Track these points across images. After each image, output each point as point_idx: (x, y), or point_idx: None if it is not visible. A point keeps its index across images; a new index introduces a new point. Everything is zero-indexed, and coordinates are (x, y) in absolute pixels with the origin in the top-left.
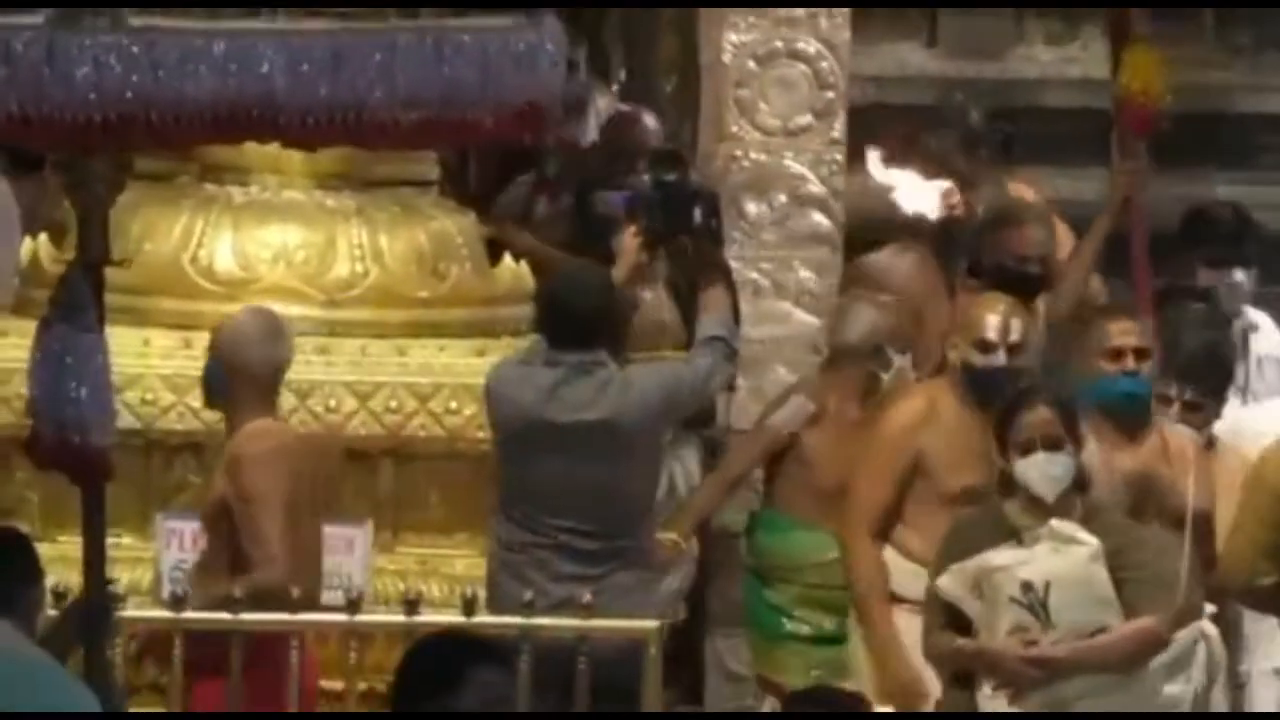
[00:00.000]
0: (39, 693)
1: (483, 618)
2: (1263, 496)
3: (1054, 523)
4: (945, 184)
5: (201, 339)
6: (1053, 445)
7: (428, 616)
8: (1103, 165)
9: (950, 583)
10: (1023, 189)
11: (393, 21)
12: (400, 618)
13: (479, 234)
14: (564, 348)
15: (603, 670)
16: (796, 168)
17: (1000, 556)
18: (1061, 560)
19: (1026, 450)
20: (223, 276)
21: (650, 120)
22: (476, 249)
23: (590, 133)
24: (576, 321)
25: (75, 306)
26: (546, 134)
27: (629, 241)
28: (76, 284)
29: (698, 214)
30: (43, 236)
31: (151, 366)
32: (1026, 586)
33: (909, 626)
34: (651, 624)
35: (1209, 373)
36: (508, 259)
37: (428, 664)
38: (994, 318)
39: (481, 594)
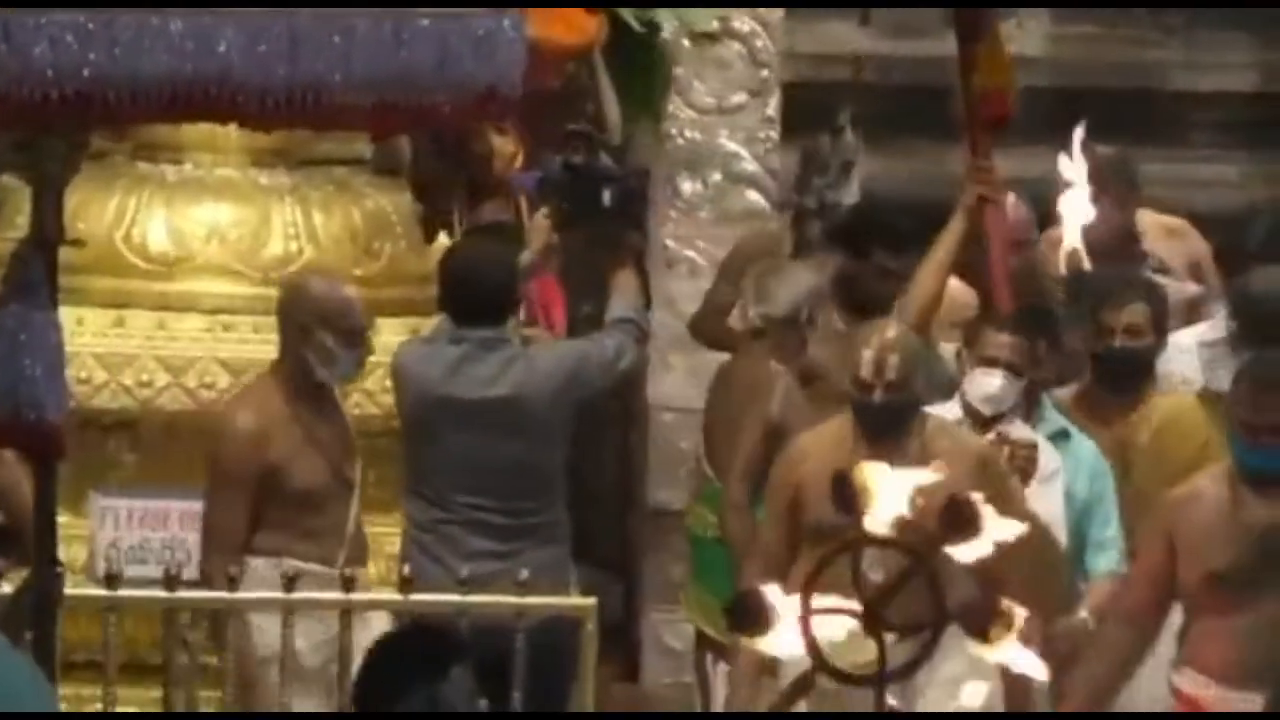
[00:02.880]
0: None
1: (419, 595)
2: None
3: None
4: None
5: (134, 317)
6: None
7: (365, 595)
8: (1042, 143)
9: None
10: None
11: (350, 6)
12: (337, 595)
13: (413, 212)
14: (468, 324)
15: (534, 648)
16: (731, 146)
17: None
18: None
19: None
20: (156, 255)
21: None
22: (411, 227)
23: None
24: (480, 298)
25: (29, 285)
26: (505, 118)
27: (539, 222)
28: (30, 262)
29: (607, 196)
30: None
31: (85, 345)
32: None
33: None
34: (589, 601)
35: None
36: (442, 237)
37: (379, 676)
38: (868, 353)
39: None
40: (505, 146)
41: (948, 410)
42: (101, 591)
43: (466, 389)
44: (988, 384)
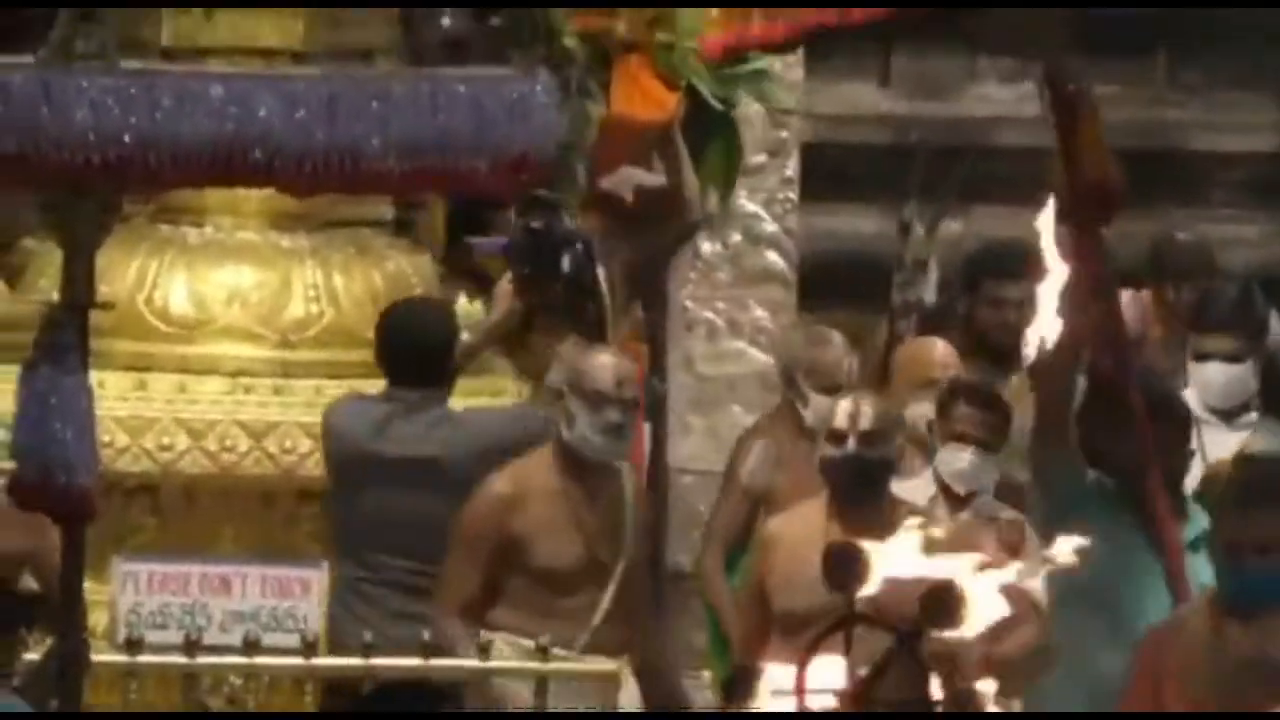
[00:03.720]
0: None
1: (325, 660)
2: None
3: None
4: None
5: (156, 380)
6: None
7: (387, 660)
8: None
9: None
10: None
11: (389, 69)
12: (357, 660)
13: (434, 274)
14: (400, 383)
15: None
16: (750, 206)
17: None
18: None
19: None
20: (178, 318)
21: None
22: (432, 289)
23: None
24: (412, 357)
25: (60, 348)
26: (538, 182)
27: (503, 287)
28: (61, 326)
29: (566, 262)
30: None
31: (107, 408)
32: None
33: None
34: (612, 666)
35: None
36: (462, 298)
37: None
38: (844, 403)
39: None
40: None
41: (919, 488)
42: (122, 657)
43: (391, 447)
44: (957, 460)
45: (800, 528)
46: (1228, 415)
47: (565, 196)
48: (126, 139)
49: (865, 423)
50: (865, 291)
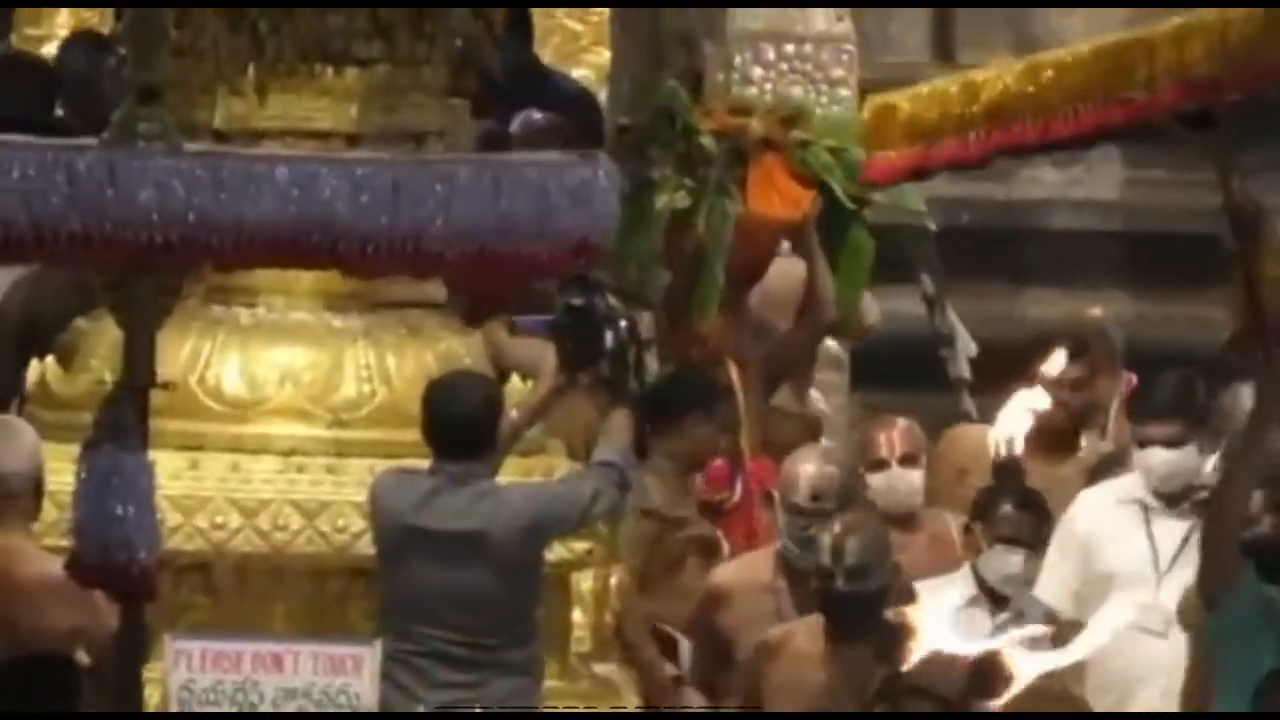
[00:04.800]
0: None
1: None
2: None
3: None
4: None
5: (208, 460)
6: None
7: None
8: (1112, 287)
9: None
10: None
11: (452, 154)
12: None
13: (484, 354)
14: (445, 457)
15: None
16: None
17: None
18: None
19: None
20: (230, 398)
21: None
22: (483, 368)
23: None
24: (455, 431)
25: (121, 427)
26: (592, 267)
27: (546, 365)
28: (123, 405)
29: (608, 338)
30: (49, 357)
31: (161, 488)
32: None
33: None
34: None
35: None
36: (515, 378)
37: None
38: (826, 537)
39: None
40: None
41: (956, 589)
42: None
43: (435, 520)
44: (1008, 564)
45: (749, 575)
46: (1171, 499)
47: (703, 295)
48: (190, 219)
49: (850, 558)
50: (916, 371)
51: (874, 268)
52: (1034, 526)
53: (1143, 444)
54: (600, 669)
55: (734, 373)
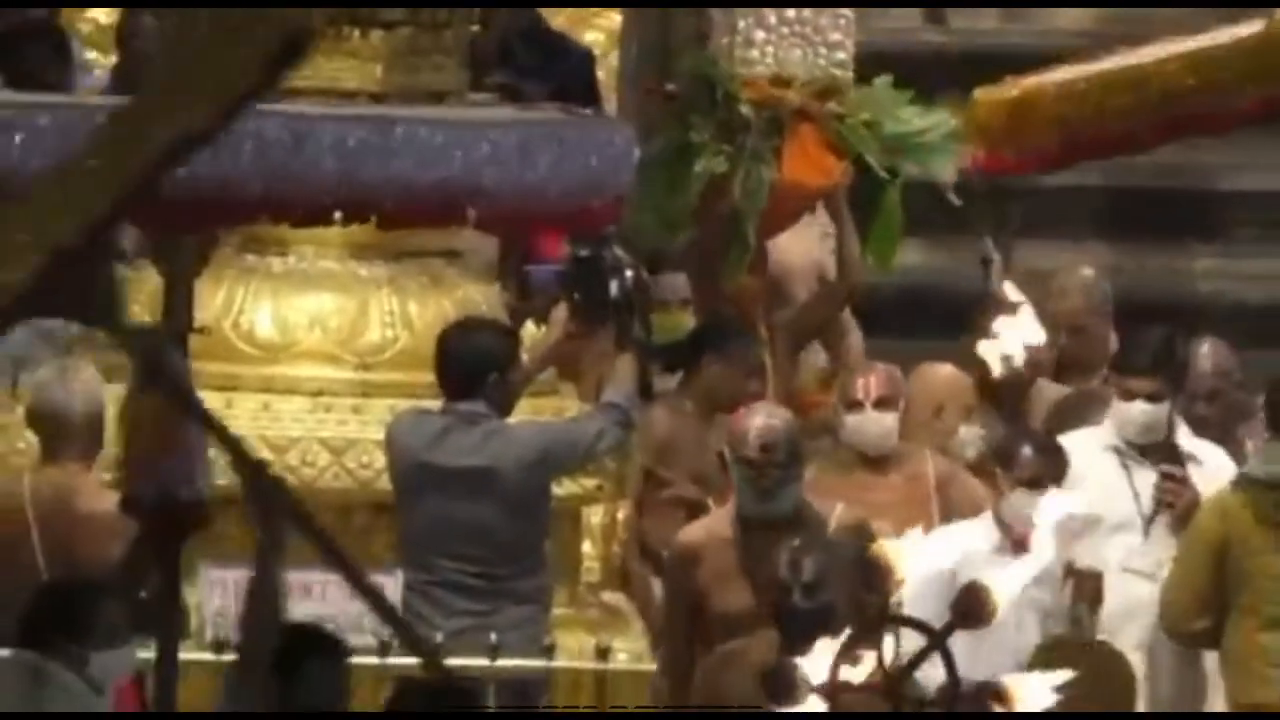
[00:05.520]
0: None
1: (399, 658)
2: (1197, 547)
3: None
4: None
5: (242, 399)
6: None
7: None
8: (1098, 239)
9: None
10: None
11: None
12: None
13: (500, 301)
14: (456, 398)
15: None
16: None
17: None
18: None
19: None
20: (263, 341)
21: None
22: (499, 315)
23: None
24: (464, 374)
25: (169, 370)
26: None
27: (557, 314)
28: (166, 350)
29: (614, 288)
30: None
31: None
32: None
33: None
34: None
35: None
36: (530, 324)
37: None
38: (783, 553)
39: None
40: None
41: (980, 533)
42: (209, 656)
43: (447, 457)
44: (1032, 505)
45: (713, 532)
46: (1144, 450)
47: (735, 256)
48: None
49: (807, 575)
50: (920, 323)
51: (898, 234)
52: (1054, 468)
53: (1126, 396)
54: (608, 597)
55: (764, 332)
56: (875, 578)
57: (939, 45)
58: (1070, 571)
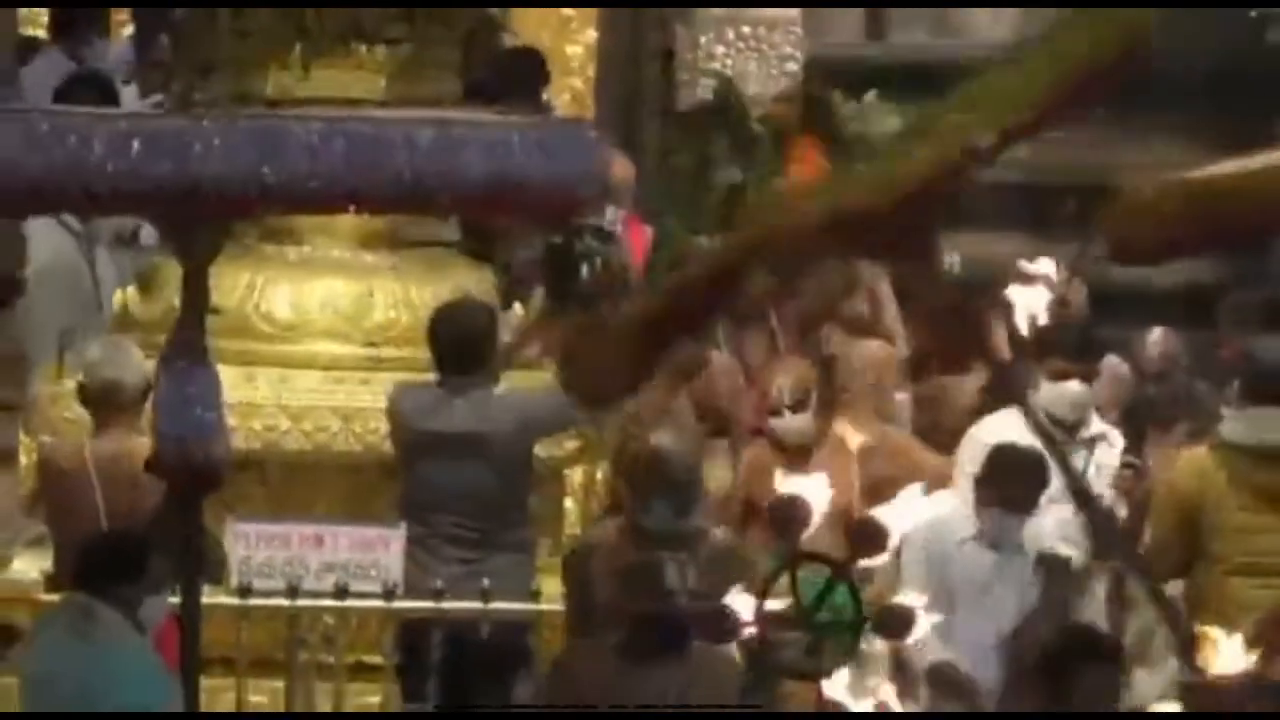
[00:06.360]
0: (125, 681)
1: (402, 602)
2: (1173, 502)
3: None
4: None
5: (262, 374)
6: None
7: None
8: (1019, 230)
9: None
10: None
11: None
12: (428, 603)
13: (492, 285)
14: (449, 371)
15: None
16: None
17: None
18: None
19: None
20: (280, 322)
21: (620, 166)
22: (490, 298)
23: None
24: (454, 350)
25: (190, 345)
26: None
27: (539, 296)
28: (188, 327)
29: (584, 270)
30: (131, 288)
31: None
32: None
33: None
34: None
35: None
36: (517, 306)
37: None
38: (671, 566)
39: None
40: None
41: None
42: (235, 600)
43: (441, 424)
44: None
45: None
46: (1069, 429)
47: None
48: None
49: (693, 581)
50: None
51: None
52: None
53: (1055, 377)
54: None
55: (774, 319)
56: (870, 538)
57: (877, 56)
58: (1041, 559)
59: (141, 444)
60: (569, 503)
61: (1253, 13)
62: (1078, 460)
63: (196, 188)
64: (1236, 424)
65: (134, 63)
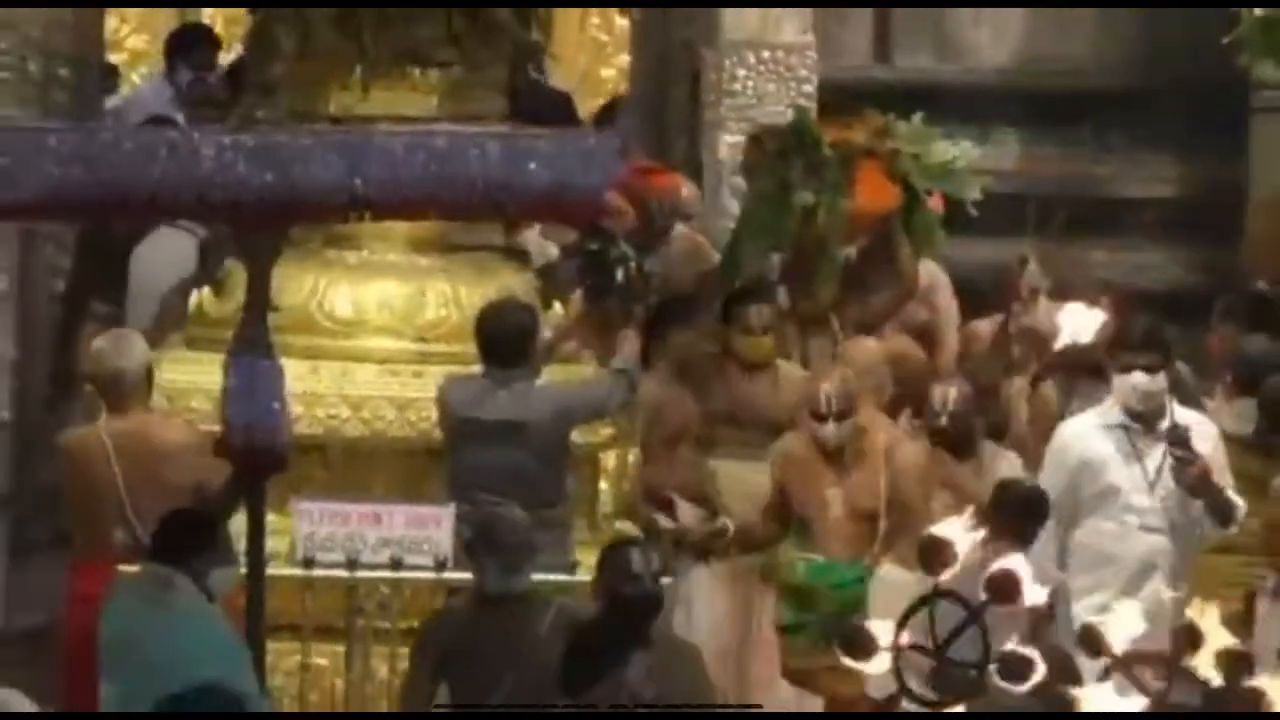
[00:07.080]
0: (199, 643)
1: (451, 574)
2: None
3: None
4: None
5: (324, 366)
6: None
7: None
8: (1012, 237)
9: None
10: None
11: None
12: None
13: (533, 287)
14: (493, 365)
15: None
16: None
17: None
18: None
19: None
20: (341, 319)
21: (687, 188)
22: (531, 298)
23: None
24: (498, 346)
25: (254, 341)
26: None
27: (576, 297)
28: (251, 324)
29: (619, 276)
30: (206, 290)
31: (288, 388)
32: None
33: None
34: None
35: None
36: (557, 306)
37: None
38: (636, 552)
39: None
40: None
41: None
42: (300, 572)
43: (486, 413)
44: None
45: None
46: (1146, 421)
47: (826, 274)
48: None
49: (657, 565)
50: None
51: (935, 237)
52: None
53: (1125, 369)
54: (620, 525)
55: (835, 324)
56: (935, 555)
57: (883, 79)
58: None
59: (152, 419)
60: (603, 484)
61: (1225, 39)
62: (1156, 453)
63: (294, 196)
64: (1229, 416)
65: (181, 99)
